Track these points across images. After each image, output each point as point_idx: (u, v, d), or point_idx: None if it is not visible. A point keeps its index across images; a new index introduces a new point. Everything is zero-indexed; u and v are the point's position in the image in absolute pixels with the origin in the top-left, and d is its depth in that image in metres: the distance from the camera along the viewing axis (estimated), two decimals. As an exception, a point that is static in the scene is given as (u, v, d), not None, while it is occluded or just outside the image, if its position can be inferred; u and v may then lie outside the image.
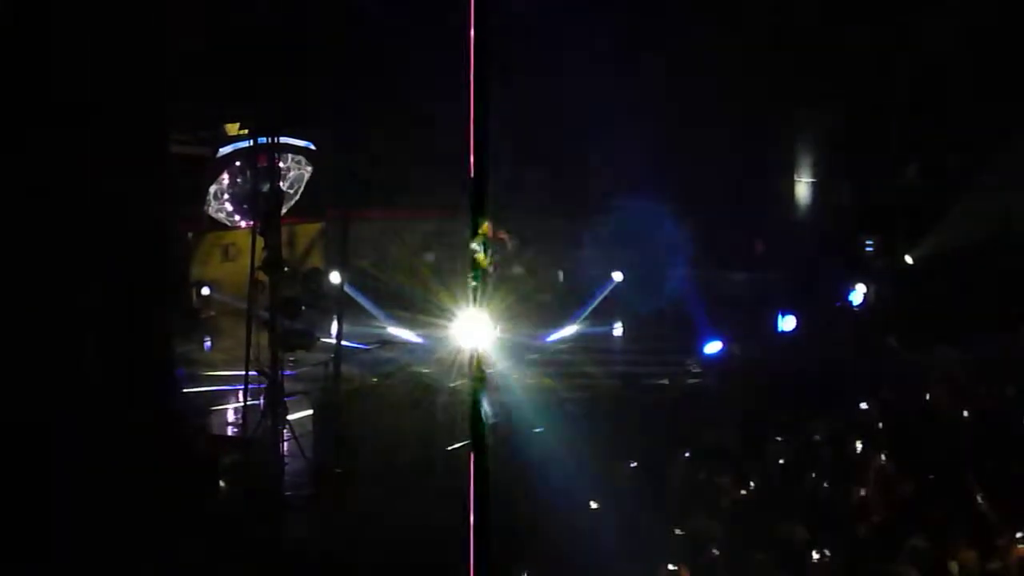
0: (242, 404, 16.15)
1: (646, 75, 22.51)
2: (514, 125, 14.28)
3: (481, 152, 5.25)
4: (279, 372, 15.34)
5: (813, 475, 14.69)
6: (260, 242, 15.47)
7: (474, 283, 5.70)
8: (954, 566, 12.06)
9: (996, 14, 21.30)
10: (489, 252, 5.57)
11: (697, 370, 19.82)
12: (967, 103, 21.76)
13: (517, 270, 22.93)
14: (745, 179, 23.93)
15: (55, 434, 9.92)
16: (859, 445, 15.71)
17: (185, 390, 17.25)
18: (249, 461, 15.15)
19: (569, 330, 21.59)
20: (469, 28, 4.91)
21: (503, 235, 21.14)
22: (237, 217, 23.95)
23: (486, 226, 5.40)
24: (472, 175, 5.23)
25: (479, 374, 5.80)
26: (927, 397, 17.49)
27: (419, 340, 20.14)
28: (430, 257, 23.45)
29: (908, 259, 23.71)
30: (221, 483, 14.70)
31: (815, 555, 12.35)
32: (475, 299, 5.88)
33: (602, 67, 21.38)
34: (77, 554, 9.75)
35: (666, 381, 18.90)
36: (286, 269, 16.25)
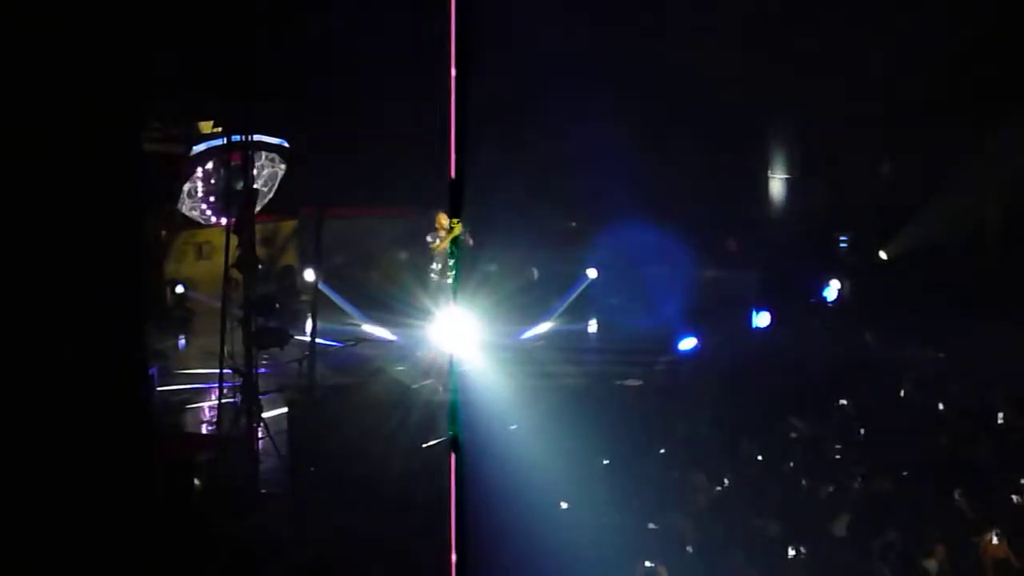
0: (216, 402, 16.07)
1: (622, 73, 22.48)
2: (491, 122, 14.22)
3: (461, 150, 5.24)
4: (253, 370, 15.29)
5: (788, 472, 14.72)
6: (234, 240, 15.41)
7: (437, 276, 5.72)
8: (929, 563, 12.11)
9: (975, 15, 21.37)
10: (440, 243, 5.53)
11: (671, 367, 19.80)
12: (943, 101, 21.82)
13: (492, 267, 22.85)
14: (719, 176, 23.94)
15: (24, 433, 9.83)
16: (834, 442, 15.76)
17: (159, 388, 17.20)
18: (223, 459, 15.08)
19: (543, 327, 21.55)
20: (450, 26, 4.90)
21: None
22: (211, 215, 23.88)
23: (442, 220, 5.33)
24: (452, 173, 5.22)
25: (453, 372, 5.79)
26: (902, 393, 17.56)
27: (394, 338, 20.08)
28: (404, 255, 23.36)
29: (883, 255, 23.80)
30: (195, 481, 14.62)
31: (790, 552, 12.38)
32: (449, 296, 5.88)
33: (579, 65, 21.35)
34: (46, 554, 9.66)
35: (640, 382, 18.85)
36: (260, 267, 16.15)
